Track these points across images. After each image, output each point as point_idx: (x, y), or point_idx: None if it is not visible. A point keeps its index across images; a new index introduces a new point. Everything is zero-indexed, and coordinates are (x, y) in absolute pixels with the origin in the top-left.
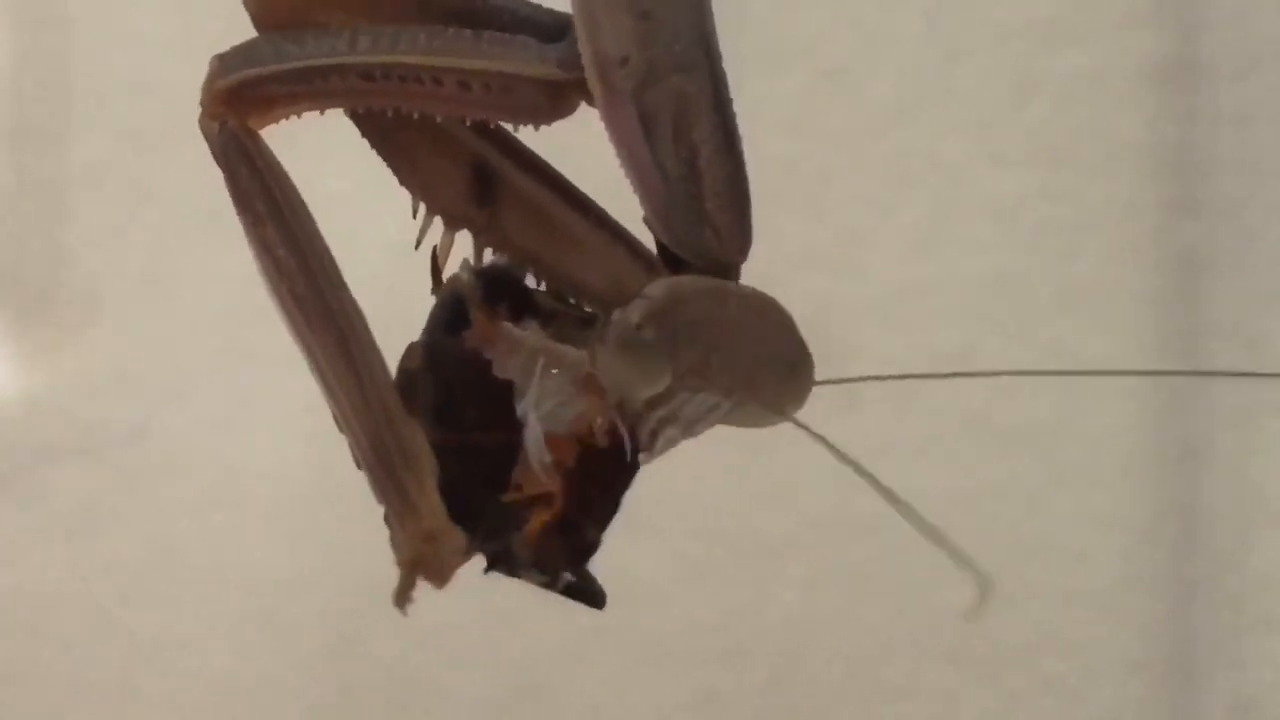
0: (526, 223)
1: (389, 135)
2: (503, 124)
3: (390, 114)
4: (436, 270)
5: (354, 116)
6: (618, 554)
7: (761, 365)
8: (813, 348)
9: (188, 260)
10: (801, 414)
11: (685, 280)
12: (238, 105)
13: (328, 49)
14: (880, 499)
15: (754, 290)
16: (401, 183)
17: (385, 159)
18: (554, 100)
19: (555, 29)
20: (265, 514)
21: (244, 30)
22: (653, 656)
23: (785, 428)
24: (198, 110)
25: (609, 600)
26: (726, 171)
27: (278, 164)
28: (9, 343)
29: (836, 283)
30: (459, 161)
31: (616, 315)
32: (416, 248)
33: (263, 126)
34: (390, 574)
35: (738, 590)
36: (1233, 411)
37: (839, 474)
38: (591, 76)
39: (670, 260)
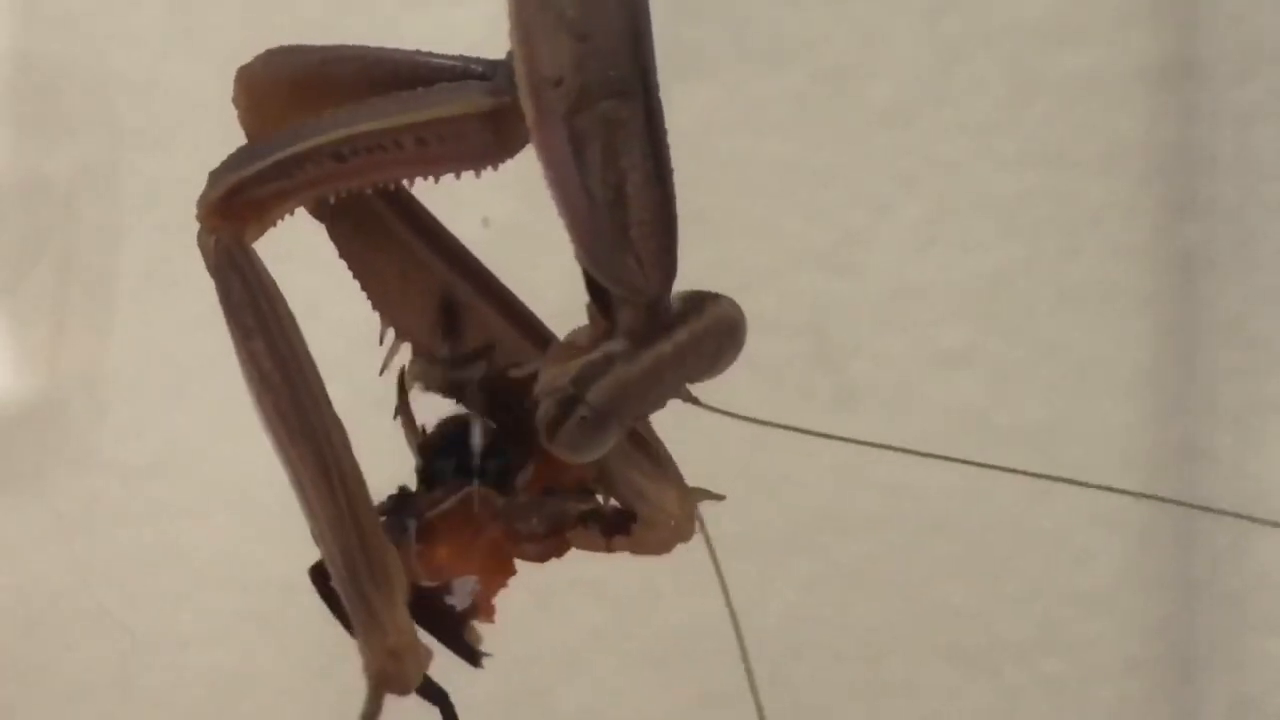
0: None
1: (365, 262)
2: (459, 241)
3: (367, 241)
4: (403, 393)
5: (335, 239)
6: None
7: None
8: (813, 347)
9: (188, 260)
10: (803, 412)
11: (621, 371)
12: (231, 215)
13: (298, 137)
14: (881, 499)
15: (686, 336)
16: (374, 307)
17: (361, 284)
18: (499, 134)
19: (490, 71)
20: (265, 514)
21: (243, 29)
22: (653, 657)
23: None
24: (225, 109)
25: (614, 602)
26: (653, 200)
27: (269, 278)
28: (9, 343)
29: (836, 283)
30: (428, 292)
31: (555, 405)
32: (381, 373)
33: (262, 232)
34: None
35: (738, 590)
36: (1233, 410)
37: (839, 473)
38: (524, 96)
39: (594, 289)
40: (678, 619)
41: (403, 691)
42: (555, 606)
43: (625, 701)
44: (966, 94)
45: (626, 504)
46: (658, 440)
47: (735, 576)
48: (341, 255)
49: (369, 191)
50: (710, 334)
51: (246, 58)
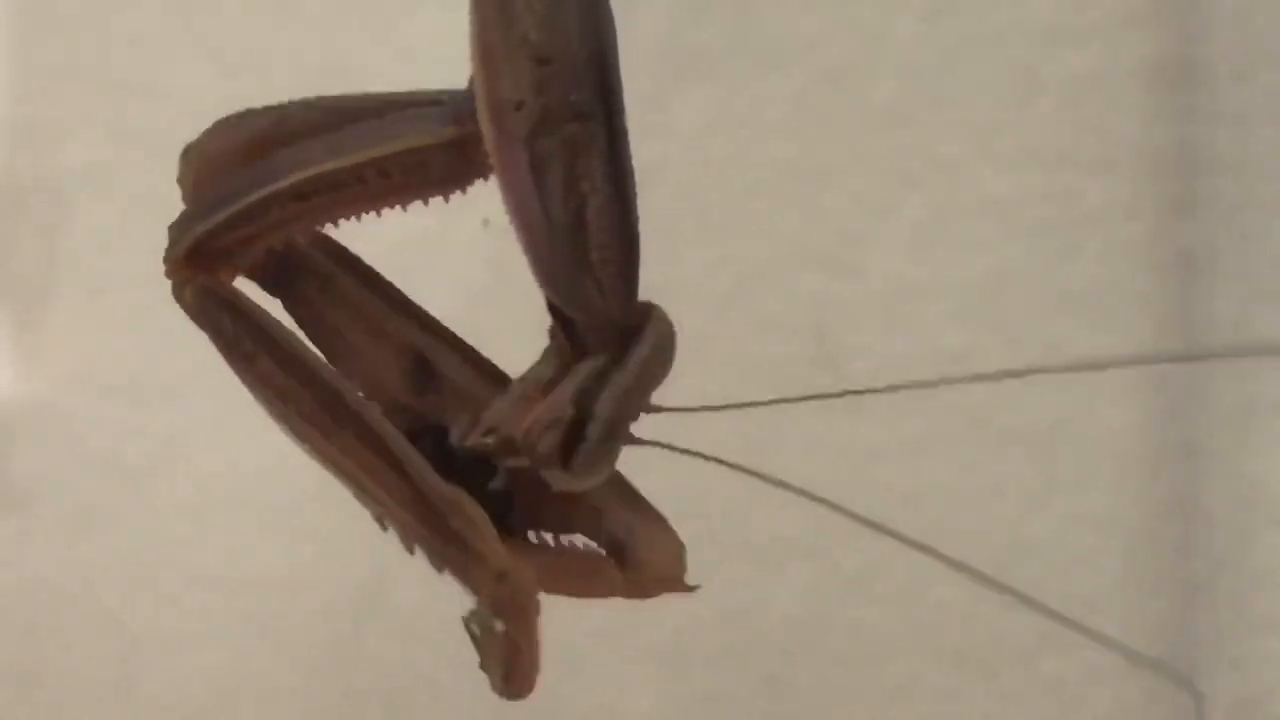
0: (459, 406)
1: (331, 336)
2: (422, 299)
3: (332, 314)
4: None
5: (300, 322)
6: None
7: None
8: (813, 347)
9: None
10: (806, 414)
11: (619, 378)
12: (201, 267)
13: (255, 184)
14: (882, 501)
15: (657, 342)
16: (347, 377)
17: (329, 358)
18: (462, 161)
19: (450, 99)
20: (265, 514)
21: (243, 30)
22: (653, 656)
23: (788, 434)
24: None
25: (614, 602)
26: (614, 224)
27: (251, 302)
28: (9, 343)
29: (836, 283)
30: (399, 352)
31: (562, 433)
32: None
33: (234, 277)
34: (387, 576)
35: (738, 590)
36: (1232, 410)
37: (838, 474)
38: (484, 119)
39: (561, 319)
40: (678, 619)
41: (524, 618)
42: (555, 606)
43: (625, 701)
44: (966, 94)
45: (616, 546)
46: (636, 490)
47: (736, 579)
48: (299, 322)
49: (327, 259)
50: (666, 337)
51: (247, 57)
